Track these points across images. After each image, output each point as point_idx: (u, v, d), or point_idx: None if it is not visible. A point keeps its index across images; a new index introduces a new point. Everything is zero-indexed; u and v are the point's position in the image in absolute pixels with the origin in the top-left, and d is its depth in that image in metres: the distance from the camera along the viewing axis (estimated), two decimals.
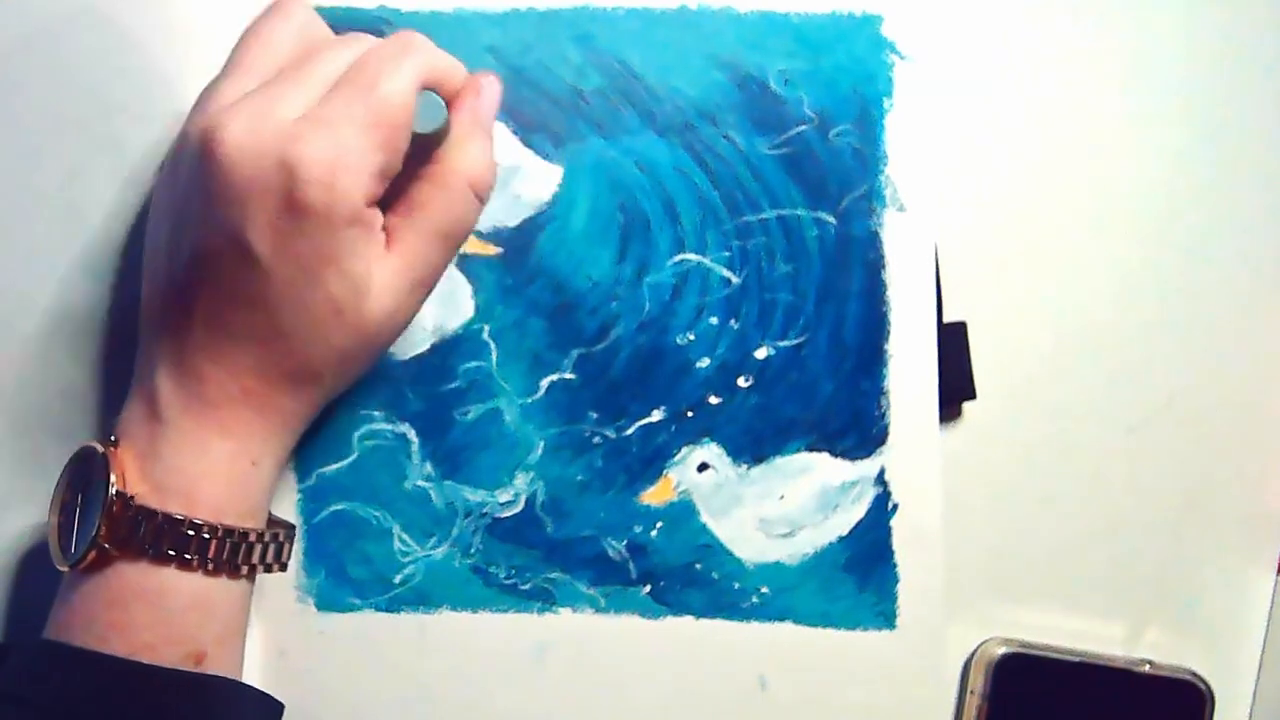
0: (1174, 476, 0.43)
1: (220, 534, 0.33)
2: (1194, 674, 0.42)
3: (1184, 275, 0.43)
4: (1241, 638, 0.43)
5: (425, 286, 0.35)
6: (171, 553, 0.32)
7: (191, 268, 0.33)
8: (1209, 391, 0.43)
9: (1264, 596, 0.43)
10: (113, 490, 0.32)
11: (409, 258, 0.34)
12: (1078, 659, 0.42)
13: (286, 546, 0.36)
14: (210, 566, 0.33)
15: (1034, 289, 0.43)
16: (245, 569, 0.34)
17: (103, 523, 0.32)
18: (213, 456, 0.33)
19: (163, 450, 0.33)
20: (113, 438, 0.34)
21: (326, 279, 0.32)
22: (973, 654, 0.42)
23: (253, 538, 0.34)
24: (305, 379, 0.34)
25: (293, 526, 0.38)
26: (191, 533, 0.32)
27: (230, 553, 0.33)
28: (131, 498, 0.32)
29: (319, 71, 0.33)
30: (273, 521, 0.37)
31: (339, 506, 0.41)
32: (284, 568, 0.37)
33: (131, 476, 0.33)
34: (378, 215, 0.34)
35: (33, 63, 0.41)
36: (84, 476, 0.34)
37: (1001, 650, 0.41)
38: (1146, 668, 0.42)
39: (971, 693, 0.42)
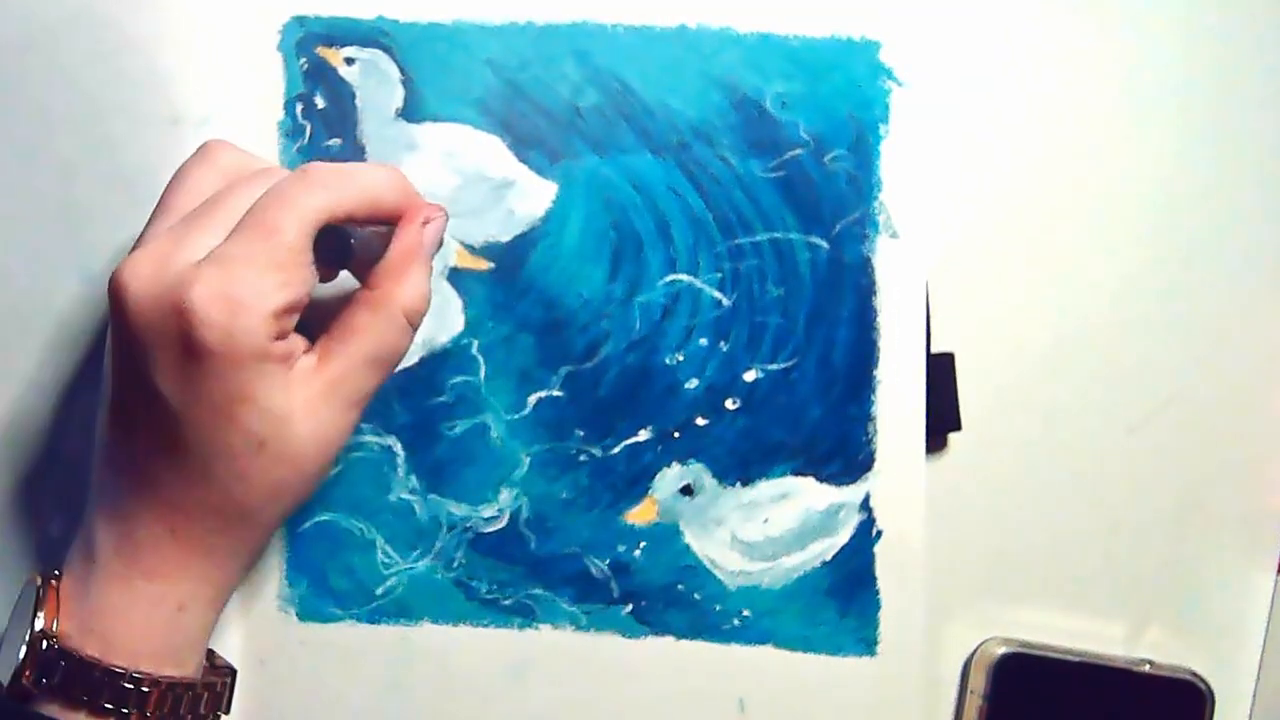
0: (1174, 476, 0.43)
1: (134, 680, 0.32)
2: (1194, 674, 0.42)
3: (1184, 275, 0.43)
4: (1241, 638, 0.43)
5: (356, 408, 0.35)
6: (85, 698, 0.32)
7: (111, 413, 0.33)
8: (1209, 391, 0.43)
9: (1264, 596, 0.43)
10: (38, 627, 0.32)
11: (338, 382, 0.34)
12: (1078, 659, 0.42)
13: (220, 697, 0.35)
14: (124, 715, 0.32)
15: (1029, 304, 0.43)
16: (166, 718, 0.33)
17: (27, 660, 0.32)
18: (136, 599, 0.33)
19: (91, 590, 0.33)
20: (57, 571, 0.34)
21: (243, 416, 0.32)
22: (973, 654, 0.42)
23: (177, 688, 0.33)
24: (236, 517, 0.33)
25: (233, 673, 0.37)
26: (106, 678, 0.32)
27: (144, 701, 0.32)
28: (54, 637, 0.32)
29: (224, 211, 0.33)
30: (214, 668, 0.36)
31: (323, 517, 0.41)
32: (218, 716, 0.35)
33: (63, 614, 0.33)
34: (295, 344, 0.33)
35: (29, 64, 0.41)
36: (26, 605, 0.34)
37: (1001, 650, 0.42)
38: (1146, 668, 0.42)
39: (971, 693, 0.42)
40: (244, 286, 0.31)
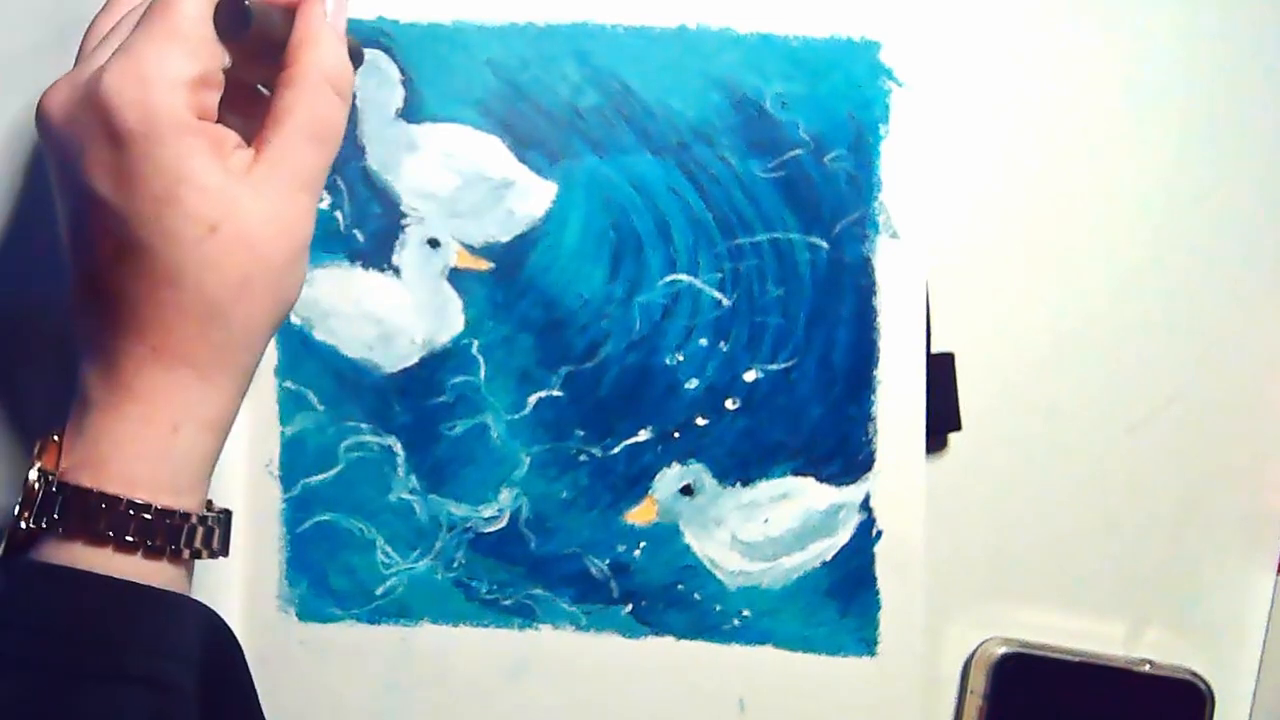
0: (1174, 476, 0.43)
1: (133, 508, 0.31)
2: (1194, 674, 0.42)
3: (1184, 275, 0.43)
4: (1241, 638, 0.43)
5: (307, 191, 0.34)
6: (82, 526, 0.31)
7: (69, 242, 0.33)
8: (1209, 391, 0.43)
9: (1264, 596, 0.42)
10: (34, 472, 0.32)
11: (279, 162, 0.33)
12: (1078, 659, 0.42)
13: (216, 531, 0.34)
14: (124, 543, 0.31)
15: (1029, 304, 0.43)
16: (165, 549, 0.32)
17: (25, 501, 0.32)
18: (127, 424, 0.32)
19: (85, 429, 0.32)
20: (57, 431, 0.33)
21: (184, 196, 0.31)
22: (973, 654, 0.42)
23: (176, 517, 0.32)
24: (208, 317, 0.32)
25: (229, 513, 0.35)
26: (102, 504, 0.31)
27: (145, 530, 0.32)
28: (52, 475, 0.32)
29: (126, 22, 0.33)
30: (210, 509, 0.35)
31: (323, 517, 0.41)
32: (216, 554, 0.34)
33: (62, 458, 0.32)
34: (226, 134, 0.33)
35: (33, 67, 0.41)
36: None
37: (1001, 650, 0.42)
38: (1146, 668, 0.42)
39: (971, 693, 0.42)
40: (150, 63, 0.31)
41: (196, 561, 0.34)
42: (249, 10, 0.32)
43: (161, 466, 0.32)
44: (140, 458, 0.32)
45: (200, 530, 0.33)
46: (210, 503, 0.35)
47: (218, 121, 0.33)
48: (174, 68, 0.31)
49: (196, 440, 0.33)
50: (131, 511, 0.31)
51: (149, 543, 0.32)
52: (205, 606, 0.33)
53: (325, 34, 0.34)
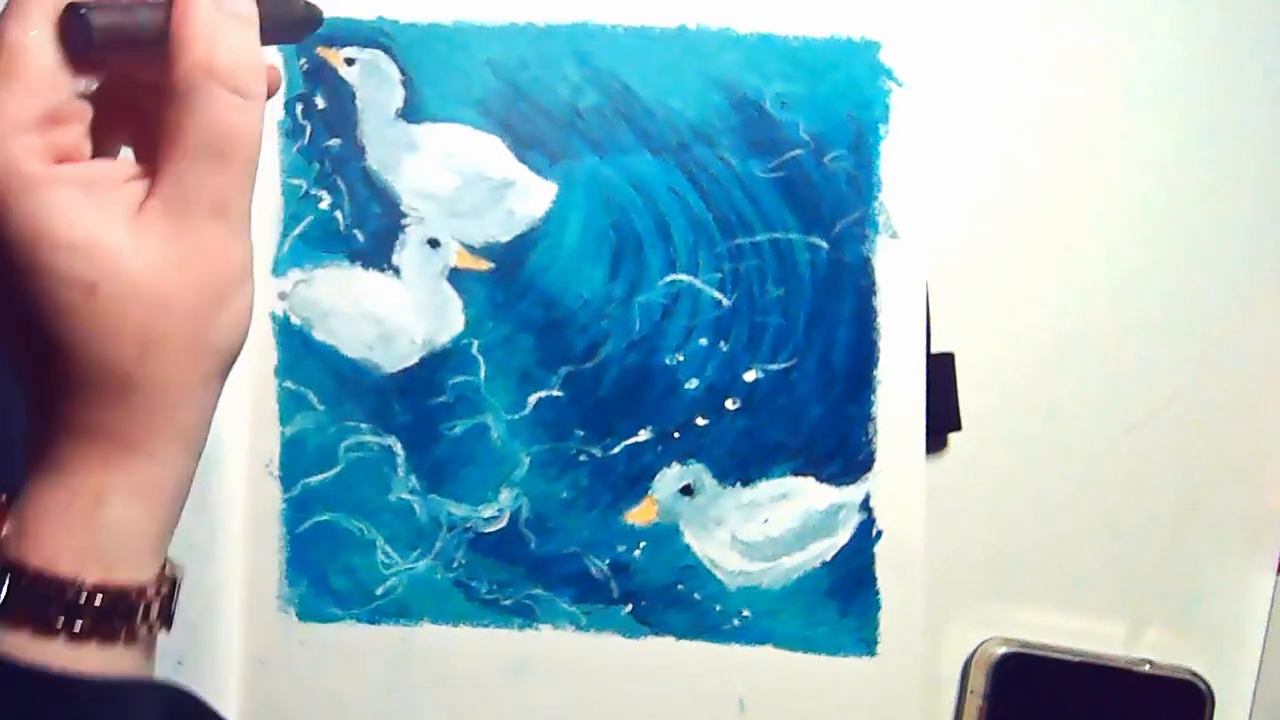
0: (1174, 476, 0.43)
1: (50, 584, 0.28)
2: (1194, 674, 0.42)
3: (1184, 275, 0.43)
4: (1241, 638, 0.43)
5: (219, 216, 0.28)
6: (12, 606, 0.28)
7: None
8: (1209, 391, 0.43)
9: (1264, 596, 0.43)
10: None
11: (175, 189, 0.28)
12: (1078, 659, 0.42)
13: (155, 606, 0.30)
14: (45, 625, 0.28)
15: (1029, 304, 0.43)
16: (93, 631, 0.28)
17: None
18: (52, 493, 0.29)
19: (22, 495, 0.29)
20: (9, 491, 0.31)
21: (51, 263, 0.27)
22: (973, 654, 0.43)
23: (107, 592, 0.28)
24: (115, 384, 0.28)
25: (174, 582, 0.31)
26: (28, 580, 0.28)
27: (67, 609, 0.28)
28: None
29: None
30: (162, 577, 0.31)
31: (323, 517, 0.41)
32: (153, 630, 0.30)
33: (6, 524, 0.29)
34: (100, 167, 0.28)
35: None
36: None
37: (1001, 650, 0.42)
38: (1146, 668, 0.42)
39: (971, 693, 0.42)
40: None
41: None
42: (89, 25, 0.27)
43: (88, 539, 0.29)
44: (66, 530, 0.29)
45: (146, 605, 0.29)
46: (166, 566, 0.31)
47: (106, 153, 0.30)
48: (14, 114, 0.27)
49: (126, 512, 0.29)
50: (52, 590, 0.28)
51: (75, 626, 0.28)
52: (164, 686, 0.30)
53: (203, 25, 0.28)
